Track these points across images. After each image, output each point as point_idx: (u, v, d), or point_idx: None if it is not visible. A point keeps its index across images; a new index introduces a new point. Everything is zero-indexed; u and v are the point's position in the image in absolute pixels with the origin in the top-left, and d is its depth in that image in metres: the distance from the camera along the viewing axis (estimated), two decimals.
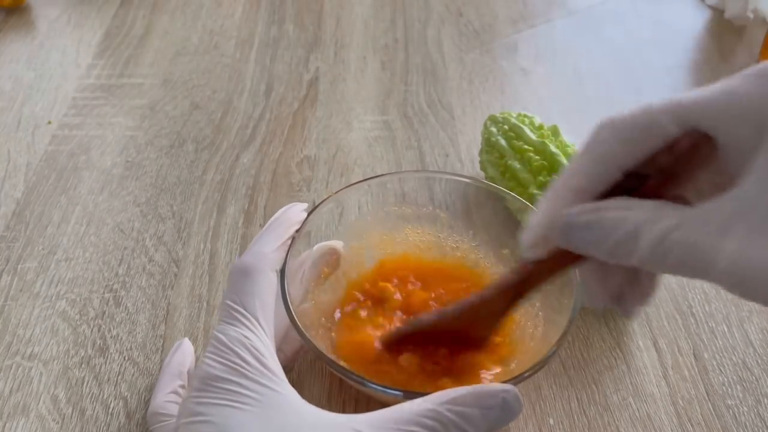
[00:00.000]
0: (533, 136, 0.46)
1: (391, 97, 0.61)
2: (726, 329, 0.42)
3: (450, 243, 0.42)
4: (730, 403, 0.39)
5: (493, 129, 0.49)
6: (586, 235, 0.25)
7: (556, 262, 0.28)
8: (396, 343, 0.35)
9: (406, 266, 0.41)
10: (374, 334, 0.36)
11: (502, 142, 0.47)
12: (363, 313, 0.38)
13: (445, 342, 0.35)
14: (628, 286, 0.28)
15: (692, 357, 0.41)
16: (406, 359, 0.35)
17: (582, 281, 0.29)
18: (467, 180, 0.41)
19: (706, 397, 0.39)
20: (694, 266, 0.22)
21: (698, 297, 0.44)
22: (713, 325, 0.43)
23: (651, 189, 0.24)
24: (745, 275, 0.21)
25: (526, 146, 0.45)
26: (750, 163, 0.22)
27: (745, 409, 0.38)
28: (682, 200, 0.25)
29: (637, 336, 0.42)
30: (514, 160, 0.46)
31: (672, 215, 0.23)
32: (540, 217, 0.27)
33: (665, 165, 0.24)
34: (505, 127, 0.48)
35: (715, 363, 0.41)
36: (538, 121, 0.48)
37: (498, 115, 0.50)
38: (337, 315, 0.38)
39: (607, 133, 0.25)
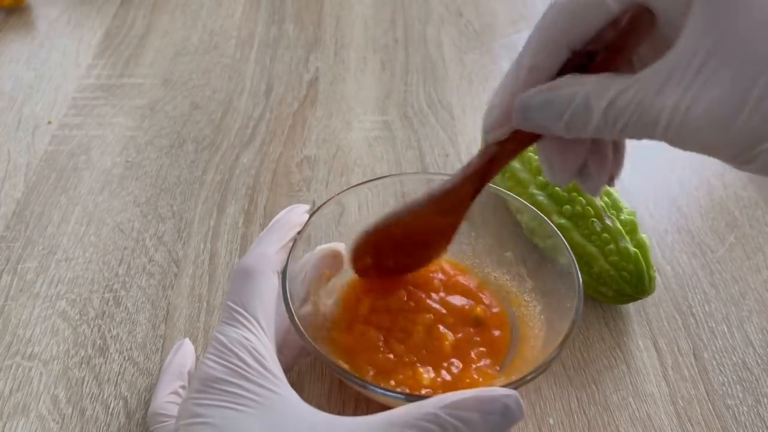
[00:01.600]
0: None
1: (391, 97, 0.61)
2: (726, 329, 0.42)
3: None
4: (729, 403, 0.39)
5: None
6: (542, 113, 0.27)
7: (517, 141, 0.30)
8: (366, 253, 0.37)
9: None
10: (376, 335, 0.36)
11: None
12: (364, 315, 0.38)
13: (414, 247, 0.36)
14: (591, 157, 0.29)
15: (692, 357, 0.41)
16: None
17: (545, 161, 0.30)
18: None
19: (706, 397, 0.39)
20: (641, 126, 0.24)
21: (698, 297, 0.44)
22: (713, 325, 0.43)
23: (599, 65, 0.26)
24: (683, 127, 0.24)
25: None
26: (682, 25, 0.24)
27: (745, 409, 0.38)
28: (629, 71, 0.26)
29: (637, 336, 0.42)
30: (514, 160, 0.46)
31: (619, 82, 0.25)
32: (498, 99, 0.29)
33: (610, 40, 0.26)
34: None
35: (715, 363, 0.41)
36: None
37: None
38: (338, 317, 0.38)
39: (555, 12, 0.27)
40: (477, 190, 0.33)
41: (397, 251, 0.37)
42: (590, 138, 0.29)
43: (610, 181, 0.30)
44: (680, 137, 0.24)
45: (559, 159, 0.29)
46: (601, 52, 0.26)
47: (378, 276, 0.38)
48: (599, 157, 0.29)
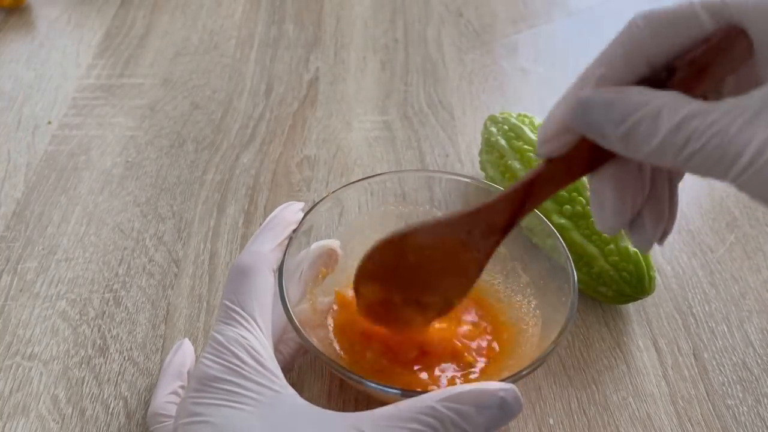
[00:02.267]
0: (533, 136, 0.46)
1: (391, 97, 0.61)
2: (726, 329, 0.42)
3: None
4: (729, 403, 0.39)
5: (493, 129, 0.49)
6: (605, 113, 0.23)
7: (569, 163, 0.26)
8: (374, 273, 0.33)
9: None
10: (373, 333, 0.36)
11: (502, 142, 0.47)
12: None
13: (429, 283, 0.32)
14: (647, 206, 0.27)
15: (692, 357, 0.41)
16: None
17: (596, 201, 0.26)
18: (467, 180, 0.41)
19: (706, 397, 0.39)
20: (716, 158, 0.21)
21: (698, 297, 0.44)
22: (713, 325, 0.43)
23: (679, 83, 0.23)
24: None
25: (526, 146, 0.46)
26: None
27: (745, 409, 0.38)
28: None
29: (637, 336, 0.42)
30: (514, 160, 0.46)
31: (696, 104, 0.22)
32: (558, 109, 0.26)
33: (696, 57, 0.23)
34: (505, 127, 0.48)
35: (715, 363, 0.41)
36: (538, 121, 0.48)
37: (498, 115, 0.50)
38: (336, 315, 0.38)
39: (642, 23, 0.24)
40: (513, 215, 0.28)
41: (408, 282, 0.32)
42: (649, 180, 0.26)
43: (662, 238, 0.27)
44: (761, 181, 0.21)
45: (614, 199, 0.26)
46: (683, 68, 0.23)
47: (382, 320, 0.35)
48: (656, 208, 0.27)
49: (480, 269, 0.31)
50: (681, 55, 0.23)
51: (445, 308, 0.33)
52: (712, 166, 0.21)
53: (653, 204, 0.27)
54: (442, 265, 0.31)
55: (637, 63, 0.24)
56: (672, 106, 0.22)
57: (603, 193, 0.26)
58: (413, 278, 0.32)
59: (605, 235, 0.40)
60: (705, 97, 0.23)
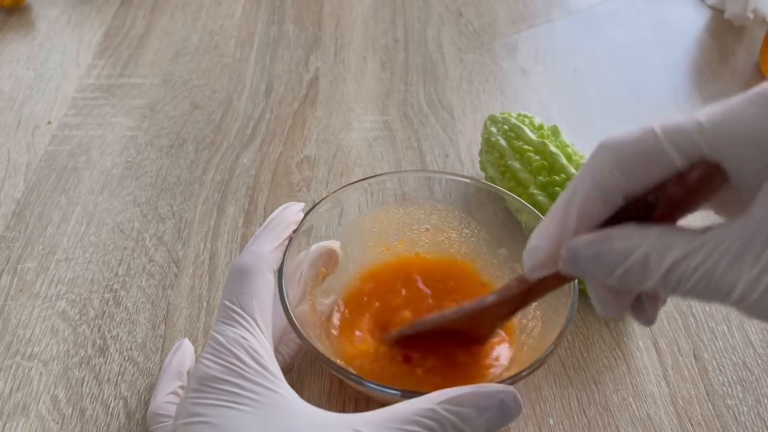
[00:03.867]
0: (533, 136, 0.46)
1: (391, 97, 0.61)
2: (726, 329, 0.42)
3: (449, 243, 0.42)
4: (730, 403, 0.39)
5: (493, 129, 0.49)
6: (595, 265, 0.24)
7: (562, 278, 0.28)
8: (397, 344, 0.36)
9: (405, 266, 0.41)
10: (373, 334, 0.36)
11: (502, 142, 0.47)
12: (361, 314, 0.38)
13: (446, 340, 0.35)
14: (644, 293, 0.27)
15: (692, 357, 0.41)
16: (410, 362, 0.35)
17: (597, 299, 0.28)
18: (467, 180, 0.41)
19: (706, 397, 0.39)
20: (709, 294, 0.22)
21: None
22: (713, 325, 0.43)
23: (659, 216, 0.24)
24: (761, 303, 0.21)
25: (526, 146, 0.45)
26: (762, 188, 0.21)
27: (745, 409, 0.38)
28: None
29: (637, 336, 0.42)
30: (514, 160, 0.46)
31: (682, 243, 0.22)
32: (543, 243, 0.26)
33: (674, 195, 0.23)
34: (505, 127, 0.48)
35: (715, 363, 0.41)
36: (538, 121, 0.48)
37: (498, 115, 0.50)
38: (336, 315, 0.38)
39: (608, 159, 0.24)
40: (512, 313, 0.32)
41: (428, 345, 0.36)
42: None
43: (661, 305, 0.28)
44: (757, 312, 0.21)
45: (611, 299, 0.27)
46: (662, 204, 0.23)
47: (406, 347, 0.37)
48: (652, 294, 0.27)
49: (487, 338, 0.35)
50: (657, 189, 0.23)
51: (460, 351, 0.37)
52: (708, 300, 0.22)
53: (649, 291, 0.27)
54: (454, 336, 0.35)
55: (614, 201, 0.24)
56: (659, 251, 0.22)
57: (602, 293, 0.27)
58: (430, 344, 0.36)
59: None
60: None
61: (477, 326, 0.34)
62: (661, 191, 0.23)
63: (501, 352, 0.36)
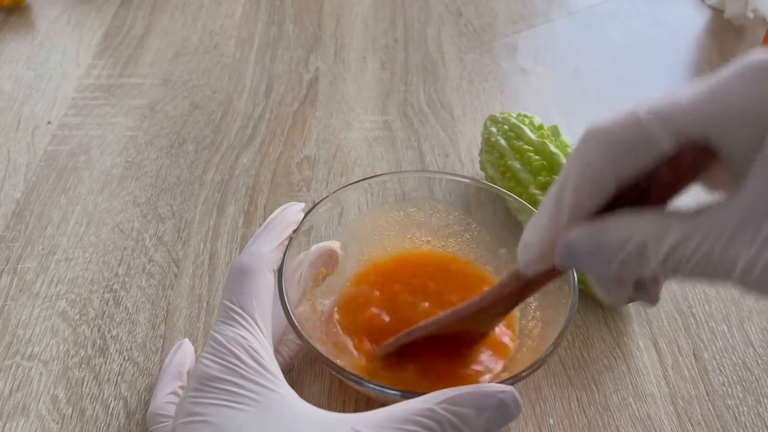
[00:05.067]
0: (533, 136, 0.46)
1: (391, 97, 0.61)
2: (726, 329, 0.42)
3: (449, 243, 0.42)
4: (730, 403, 0.39)
5: (493, 129, 0.49)
6: (592, 258, 0.24)
7: (558, 270, 0.27)
8: (394, 353, 0.35)
9: (404, 266, 0.41)
10: (373, 334, 0.36)
11: (502, 142, 0.47)
12: (361, 313, 0.38)
13: (444, 341, 0.35)
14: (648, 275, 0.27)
15: (692, 357, 0.41)
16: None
17: (600, 288, 0.28)
18: (467, 180, 0.41)
19: (706, 397, 0.39)
20: (710, 275, 0.22)
21: (698, 297, 0.44)
22: (713, 325, 0.43)
23: (652, 201, 0.23)
24: (763, 279, 0.20)
25: (526, 146, 0.45)
26: (753, 164, 0.21)
27: (745, 409, 0.38)
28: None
29: (637, 336, 0.42)
30: (514, 160, 0.45)
31: (678, 227, 0.22)
32: (537, 237, 0.26)
33: (667, 179, 0.23)
34: (505, 127, 0.48)
35: (715, 363, 0.41)
36: (538, 121, 0.48)
37: (498, 115, 0.50)
38: (336, 316, 0.38)
39: (595, 146, 0.23)
40: (509, 310, 0.32)
41: (424, 350, 0.36)
42: None
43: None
44: (759, 289, 0.21)
45: (615, 285, 0.27)
46: (655, 189, 0.23)
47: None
48: (653, 275, 0.27)
49: (485, 337, 0.35)
50: (649, 175, 0.23)
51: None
52: (708, 281, 0.22)
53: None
54: (451, 337, 0.35)
55: (605, 188, 0.24)
56: (655, 237, 0.22)
57: (604, 282, 0.27)
58: (427, 348, 0.35)
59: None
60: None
61: (474, 327, 0.34)
62: (652, 176, 0.23)
63: (502, 341, 0.36)
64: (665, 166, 0.23)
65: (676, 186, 0.23)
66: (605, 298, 0.27)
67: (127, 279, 0.45)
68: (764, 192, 0.21)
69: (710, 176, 0.24)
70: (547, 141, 0.45)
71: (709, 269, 0.21)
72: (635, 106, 0.23)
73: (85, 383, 0.39)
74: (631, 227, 0.23)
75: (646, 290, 0.27)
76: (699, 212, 0.22)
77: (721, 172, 0.23)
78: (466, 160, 0.54)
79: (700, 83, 0.22)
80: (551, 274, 0.28)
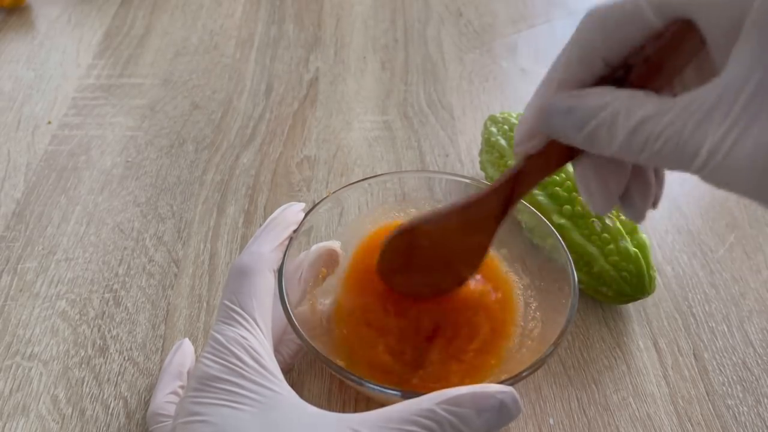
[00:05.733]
0: None
1: (391, 97, 0.61)
2: (726, 329, 0.42)
3: None
4: (730, 403, 0.39)
5: (493, 129, 0.49)
6: (566, 119, 0.25)
7: (547, 157, 0.28)
8: (394, 260, 0.35)
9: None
10: (373, 334, 0.36)
11: (502, 142, 0.47)
12: (361, 313, 0.38)
13: (443, 264, 0.34)
14: (633, 183, 0.27)
15: (692, 357, 0.41)
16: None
17: (583, 187, 0.27)
18: (467, 180, 0.41)
19: (706, 397, 0.39)
20: (673, 158, 0.22)
21: (698, 297, 0.44)
22: (713, 325, 0.43)
23: (636, 79, 0.24)
24: (723, 168, 0.21)
25: None
26: (731, 51, 0.21)
27: (745, 409, 0.38)
28: (669, 93, 0.25)
29: (637, 336, 0.42)
30: (514, 161, 0.46)
31: (651, 104, 0.22)
32: (528, 112, 0.27)
33: (650, 54, 0.24)
34: (505, 127, 0.48)
35: (715, 363, 0.41)
36: None
37: (498, 115, 0.50)
38: (335, 315, 0.38)
39: (591, 23, 0.24)
40: (504, 207, 0.31)
41: (425, 267, 0.35)
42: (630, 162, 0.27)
43: (654, 205, 0.28)
44: (719, 177, 0.21)
45: (598, 185, 0.27)
46: (639, 65, 0.24)
47: (404, 291, 0.36)
48: (642, 183, 0.27)
49: (486, 248, 0.34)
50: (636, 51, 0.24)
51: (459, 282, 0.36)
52: (673, 164, 0.22)
53: (638, 178, 0.27)
54: (451, 252, 0.34)
55: (593, 64, 0.25)
56: (628, 109, 0.23)
57: (587, 178, 0.27)
58: (427, 261, 0.35)
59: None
60: (669, 85, 0.24)
61: (471, 225, 0.32)
62: (637, 53, 0.24)
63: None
64: (652, 41, 0.24)
65: (659, 65, 0.24)
66: (588, 200, 0.28)
67: (127, 279, 0.45)
68: (739, 74, 0.21)
69: (697, 68, 0.25)
70: None
71: (676, 152, 0.22)
72: None
73: (85, 383, 0.39)
74: (607, 97, 0.24)
75: (632, 203, 0.28)
76: (677, 95, 0.23)
77: (708, 65, 0.24)
78: (466, 160, 0.54)
79: None
80: (542, 163, 0.28)
